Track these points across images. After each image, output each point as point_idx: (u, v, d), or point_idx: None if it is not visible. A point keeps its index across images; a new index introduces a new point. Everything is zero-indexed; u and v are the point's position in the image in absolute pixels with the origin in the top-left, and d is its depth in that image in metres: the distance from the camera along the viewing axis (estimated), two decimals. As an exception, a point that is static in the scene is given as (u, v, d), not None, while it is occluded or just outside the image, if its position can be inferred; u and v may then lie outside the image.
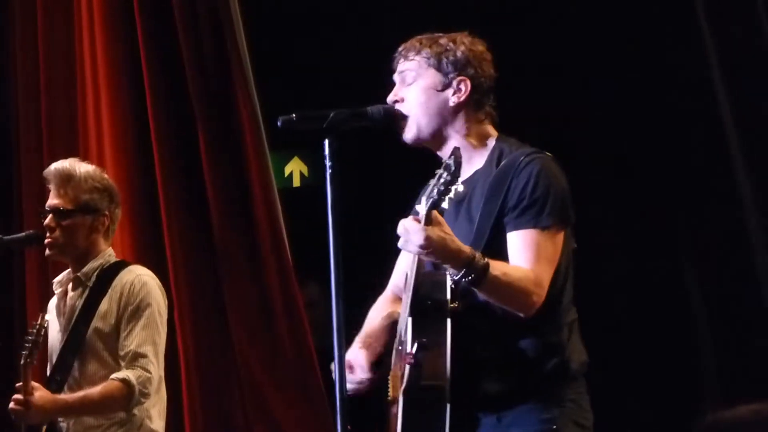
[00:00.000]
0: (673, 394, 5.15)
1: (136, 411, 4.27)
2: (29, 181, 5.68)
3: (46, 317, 4.33)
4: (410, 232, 3.12)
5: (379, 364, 3.40)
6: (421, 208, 3.13)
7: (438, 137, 3.39)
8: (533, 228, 3.24)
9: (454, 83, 3.37)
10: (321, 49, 5.80)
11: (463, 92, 3.37)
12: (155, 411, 4.34)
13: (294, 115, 3.29)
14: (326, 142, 3.20)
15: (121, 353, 4.26)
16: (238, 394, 5.56)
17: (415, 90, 3.39)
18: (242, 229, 5.59)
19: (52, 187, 4.42)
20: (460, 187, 3.09)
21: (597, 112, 5.35)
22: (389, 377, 3.40)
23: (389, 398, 3.38)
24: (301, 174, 5.73)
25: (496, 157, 3.35)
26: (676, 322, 5.32)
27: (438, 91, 3.37)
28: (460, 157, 3.07)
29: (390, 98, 3.41)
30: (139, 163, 5.63)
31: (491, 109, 3.43)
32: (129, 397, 4.21)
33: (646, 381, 5.22)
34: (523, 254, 3.23)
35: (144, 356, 4.24)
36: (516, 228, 3.25)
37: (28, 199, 5.64)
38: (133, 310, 4.30)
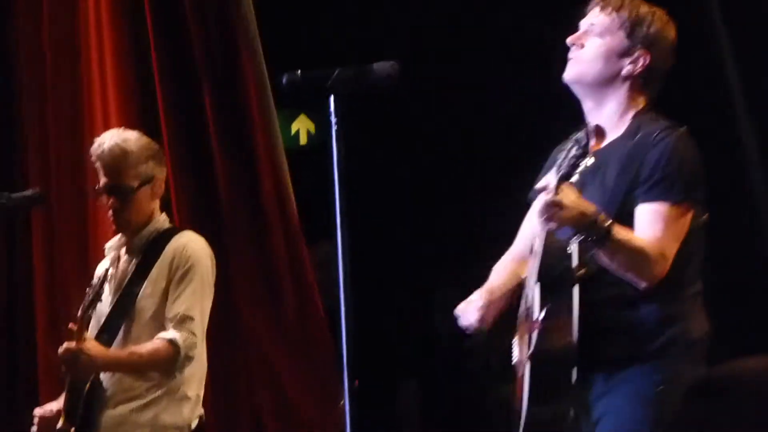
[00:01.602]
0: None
1: (177, 374, 4.28)
2: (33, 143, 5.68)
3: (108, 269, 4.35)
4: (547, 205, 3.18)
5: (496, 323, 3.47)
6: (551, 179, 3.19)
7: (594, 93, 3.43)
8: (663, 201, 3.29)
9: (636, 54, 3.41)
10: (328, 5, 5.77)
11: (639, 65, 3.41)
12: (196, 377, 4.36)
13: (299, 73, 3.28)
14: (331, 99, 3.20)
15: (169, 316, 4.27)
16: (244, 358, 5.58)
17: (598, 45, 3.42)
18: (248, 189, 5.59)
19: (105, 166, 4.37)
20: (590, 161, 3.18)
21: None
22: (514, 341, 3.46)
23: (516, 359, 3.45)
24: (308, 132, 5.72)
25: (634, 129, 3.39)
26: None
27: (618, 56, 3.41)
28: (591, 133, 3.18)
29: (571, 39, 3.45)
30: (144, 126, 5.61)
31: (654, 90, 3.46)
32: (175, 357, 4.22)
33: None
34: (650, 226, 3.28)
35: (191, 319, 4.26)
36: (646, 200, 3.30)
37: (33, 163, 5.64)
38: (182, 275, 4.31)
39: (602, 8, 3.46)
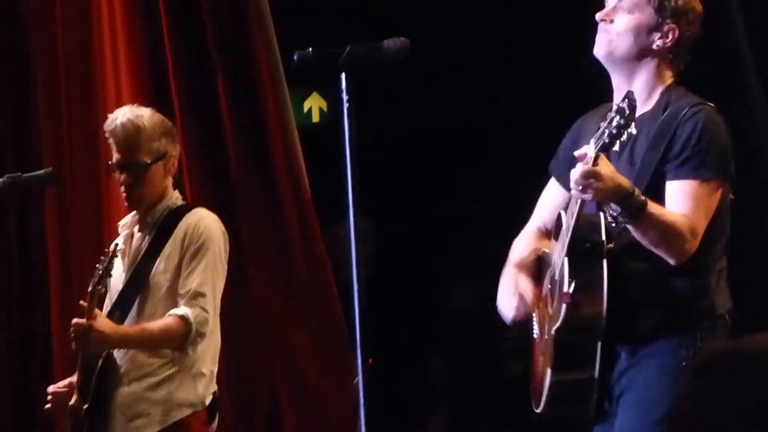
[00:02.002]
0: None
1: (190, 350, 4.27)
2: (47, 124, 5.67)
3: (118, 244, 4.35)
4: (584, 177, 3.15)
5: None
6: (590, 149, 3.17)
7: (624, 68, 3.43)
8: (693, 179, 3.29)
9: (665, 28, 3.41)
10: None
11: (669, 39, 3.41)
12: (209, 354, 4.35)
13: (310, 50, 3.27)
14: (343, 77, 3.19)
15: (181, 292, 4.26)
16: (257, 332, 5.58)
17: (628, 20, 3.42)
18: (260, 166, 5.59)
19: (118, 142, 4.36)
20: (633, 130, 3.17)
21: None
22: (533, 316, 3.47)
23: (536, 335, 3.46)
24: (321, 109, 5.72)
25: (663, 104, 3.39)
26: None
27: (648, 31, 3.41)
28: (635, 101, 3.12)
29: (600, 15, 3.44)
30: (156, 101, 5.61)
31: (682, 64, 3.46)
32: (186, 334, 4.21)
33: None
34: (681, 203, 3.28)
35: (203, 295, 4.25)
36: (676, 177, 3.30)
37: (47, 143, 5.64)
38: (194, 251, 4.30)
39: None
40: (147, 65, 5.65)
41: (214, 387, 4.39)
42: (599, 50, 3.44)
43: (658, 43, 3.42)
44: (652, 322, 3.33)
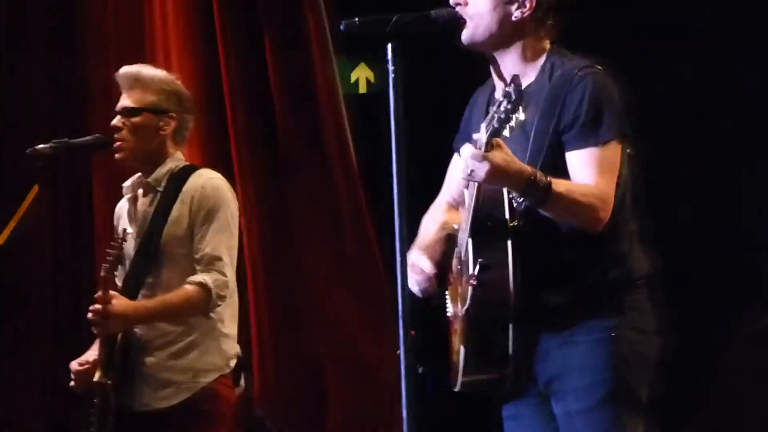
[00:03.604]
0: (726, 303, 5.11)
1: (211, 315, 4.27)
2: (96, 87, 5.71)
3: (128, 230, 4.35)
4: (475, 160, 3.09)
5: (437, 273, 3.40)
6: (481, 135, 3.10)
7: (494, 46, 3.36)
8: (593, 146, 3.22)
9: None
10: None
11: (527, 8, 3.33)
12: (228, 314, 4.34)
13: (357, 19, 3.25)
14: (389, 46, 3.17)
15: (196, 256, 4.26)
16: (304, 298, 5.60)
17: None
18: (308, 135, 5.59)
19: (122, 90, 4.42)
20: (522, 116, 3.06)
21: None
22: (447, 294, 3.42)
23: (450, 312, 3.41)
24: (368, 80, 5.70)
25: (548, 71, 3.32)
26: (730, 230, 5.27)
27: (504, 2, 3.33)
28: (521, 85, 3.04)
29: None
30: (205, 70, 5.64)
31: (552, 27, 3.38)
32: (207, 300, 4.21)
33: (700, 287, 5.18)
34: (586, 172, 3.21)
35: (220, 259, 4.24)
36: (576, 147, 3.23)
37: (97, 109, 5.67)
38: (205, 214, 4.29)
39: None
40: (196, 36, 5.68)
41: (237, 348, 4.38)
42: (463, 37, 3.34)
43: (516, 14, 3.32)
44: (568, 295, 3.24)
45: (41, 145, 4.37)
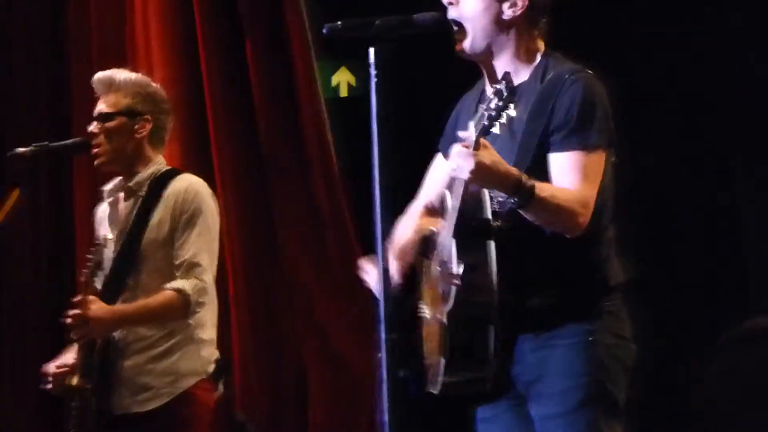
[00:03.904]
0: (720, 304, 5.13)
1: (190, 320, 4.26)
2: (80, 92, 5.69)
3: (108, 235, 4.34)
4: (462, 158, 3.09)
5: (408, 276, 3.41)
6: (470, 133, 3.09)
7: (489, 49, 3.35)
8: (579, 149, 3.22)
9: None
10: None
11: (519, 6, 3.33)
12: (207, 319, 4.34)
13: (340, 23, 3.24)
14: (372, 50, 3.16)
15: (176, 262, 4.25)
16: (286, 301, 5.60)
17: None
18: (289, 138, 5.59)
19: (98, 95, 4.43)
20: (513, 113, 3.06)
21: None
22: (423, 294, 3.41)
23: (427, 315, 3.39)
24: (349, 84, 5.70)
25: (541, 73, 3.32)
26: (725, 234, 5.28)
27: (495, 1, 3.33)
28: (512, 82, 3.03)
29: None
30: (186, 73, 5.63)
31: (544, 26, 3.38)
32: (186, 306, 4.20)
33: (694, 290, 5.20)
34: (569, 176, 3.21)
35: (199, 265, 4.24)
36: (561, 149, 3.22)
37: (79, 111, 5.66)
38: (186, 219, 4.28)
39: None
40: (177, 38, 5.67)
41: (216, 353, 4.37)
42: (465, 48, 3.34)
43: (508, 12, 3.32)
44: (547, 298, 3.24)
45: (21, 148, 4.36)
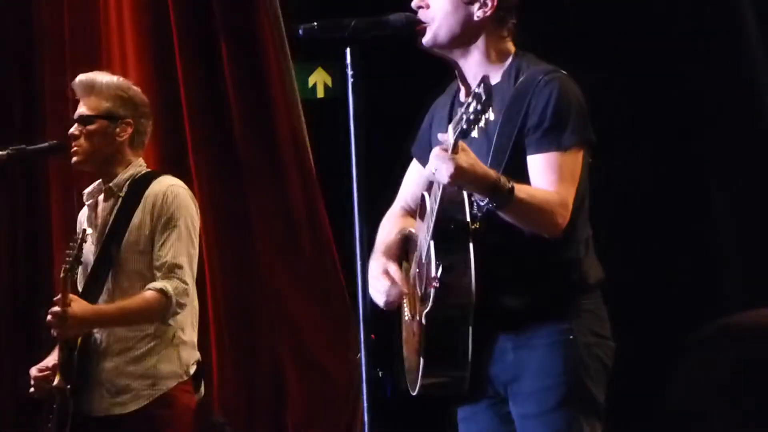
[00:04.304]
0: (696, 303, 5.15)
1: (170, 322, 4.26)
2: (53, 96, 5.68)
3: (87, 230, 4.33)
4: (441, 161, 3.09)
5: None
6: (448, 136, 3.09)
7: (456, 48, 3.35)
8: (555, 150, 3.21)
9: None
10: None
11: (489, 7, 3.33)
12: (188, 322, 4.34)
13: (315, 24, 3.24)
14: (348, 51, 3.17)
15: (156, 264, 4.25)
16: (262, 304, 5.60)
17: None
18: (265, 140, 5.60)
19: (79, 98, 4.42)
20: (491, 116, 3.05)
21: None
22: (404, 299, 3.40)
23: (406, 317, 3.40)
24: (325, 85, 5.71)
25: (513, 74, 3.31)
26: (700, 232, 5.31)
27: (465, 3, 3.33)
28: (491, 86, 3.02)
29: (415, 2, 3.36)
30: (161, 75, 5.63)
31: (513, 27, 3.38)
32: (166, 307, 4.20)
33: (668, 288, 5.22)
34: (547, 177, 3.21)
35: (180, 267, 4.24)
36: (538, 150, 3.22)
37: (52, 115, 5.65)
38: (166, 221, 4.28)
39: None
40: (152, 40, 5.66)
41: (197, 355, 4.37)
42: (425, 40, 3.33)
43: (478, 13, 3.32)
44: (526, 299, 3.24)
45: None
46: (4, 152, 4.35)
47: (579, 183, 3.26)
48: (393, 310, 3.41)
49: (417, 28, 3.34)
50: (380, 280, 3.33)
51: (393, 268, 3.35)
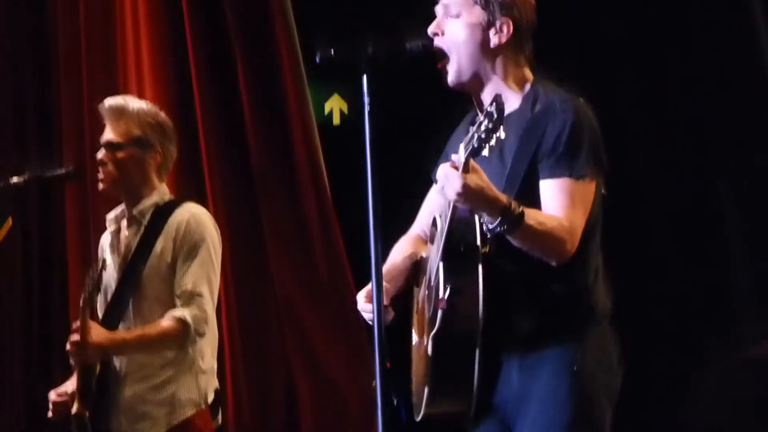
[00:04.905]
0: (707, 329, 5.13)
1: (189, 349, 4.27)
2: (69, 115, 5.70)
3: (107, 259, 4.33)
4: (448, 178, 3.10)
5: (397, 300, 3.40)
6: (459, 155, 3.09)
7: (477, 78, 3.36)
8: (568, 177, 3.22)
9: (497, 23, 3.33)
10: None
11: (505, 33, 3.33)
12: (208, 349, 4.35)
13: (332, 51, 3.25)
14: (364, 78, 3.16)
15: (177, 292, 4.26)
16: (276, 321, 5.60)
17: (458, 25, 3.35)
18: (281, 158, 5.60)
19: (106, 122, 4.41)
20: (502, 135, 3.04)
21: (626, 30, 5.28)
22: (413, 319, 3.42)
23: (415, 340, 3.40)
24: (341, 112, 5.71)
25: (531, 101, 3.32)
26: (710, 254, 5.29)
27: (481, 30, 3.33)
28: (503, 104, 3.01)
29: (431, 29, 3.37)
30: (178, 96, 5.64)
31: (531, 54, 3.39)
32: (185, 335, 4.21)
33: (679, 315, 5.20)
34: (558, 203, 3.21)
35: (200, 295, 4.25)
36: (551, 176, 3.23)
37: (68, 133, 5.67)
38: (189, 249, 4.29)
39: None
40: (169, 60, 5.68)
41: (216, 383, 4.39)
42: (450, 79, 3.34)
43: (494, 40, 3.33)
44: (531, 325, 3.24)
45: (14, 179, 4.37)
46: (21, 178, 4.36)
47: (591, 212, 3.26)
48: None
49: (438, 65, 3.35)
50: (362, 293, 3.33)
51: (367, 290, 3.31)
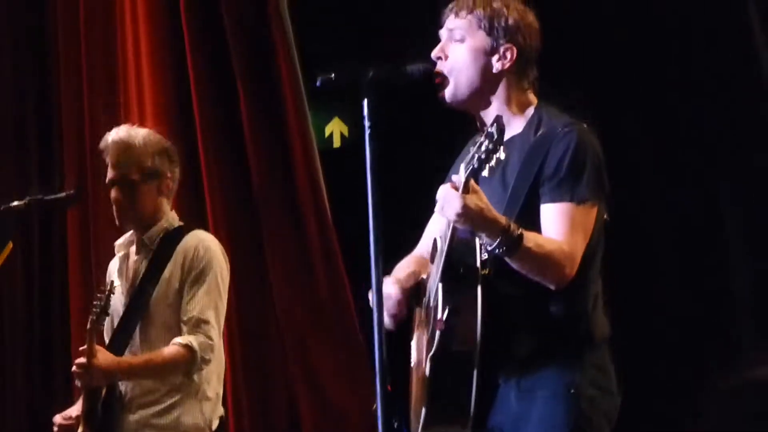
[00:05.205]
0: (708, 349, 5.12)
1: (195, 377, 4.28)
2: (69, 115, 5.70)
3: (115, 282, 4.34)
4: (448, 199, 3.11)
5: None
6: (460, 175, 3.10)
7: (477, 101, 3.37)
8: (569, 201, 3.22)
9: (501, 49, 3.34)
10: (361, 3, 5.76)
11: (508, 59, 3.35)
12: (214, 376, 4.36)
13: (333, 75, 3.26)
14: (365, 101, 3.17)
15: (184, 318, 4.26)
16: (278, 340, 5.60)
17: (462, 49, 3.36)
18: (282, 181, 5.61)
19: (111, 158, 4.38)
20: (502, 155, 3.06)
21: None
22: (412, 342, 3.42)
23: (414, 361, 3.41)
24: (342, 135, 5.73)
25: (534, 125, 3.32)
26: (710, 260, 5.28)
27: (484, 54, 3.34)
28: (503, 125, 3.03)
29: (434, 53, 3.38)
30: (179, 120, 5.65)
31: (535, 79, 3.40)
32: (191, 362, 4.21)
33: (679, 334, 5.19)
34: (558, 227, 3.21)
35: (207, 322, 4.25)
36: (552, 200, 3.23)
37: (68, 133, 5.67)
38: (196, 276, 4.30)
39: (456, 13, 3.38)
40: (169, 86, 5.69)
41: (221, 410, 4.40)
42: (446, 96, 3.36)
43: (497, 66, 3.34)
44: (530, 348, 3.24)
45: (15, 202, 4.37)
46: (23, 202, 4.37)
47: (591, 237, 3.26)
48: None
49: (436, 81, 3.36)
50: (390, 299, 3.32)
51: (388, 288, 3.32)
